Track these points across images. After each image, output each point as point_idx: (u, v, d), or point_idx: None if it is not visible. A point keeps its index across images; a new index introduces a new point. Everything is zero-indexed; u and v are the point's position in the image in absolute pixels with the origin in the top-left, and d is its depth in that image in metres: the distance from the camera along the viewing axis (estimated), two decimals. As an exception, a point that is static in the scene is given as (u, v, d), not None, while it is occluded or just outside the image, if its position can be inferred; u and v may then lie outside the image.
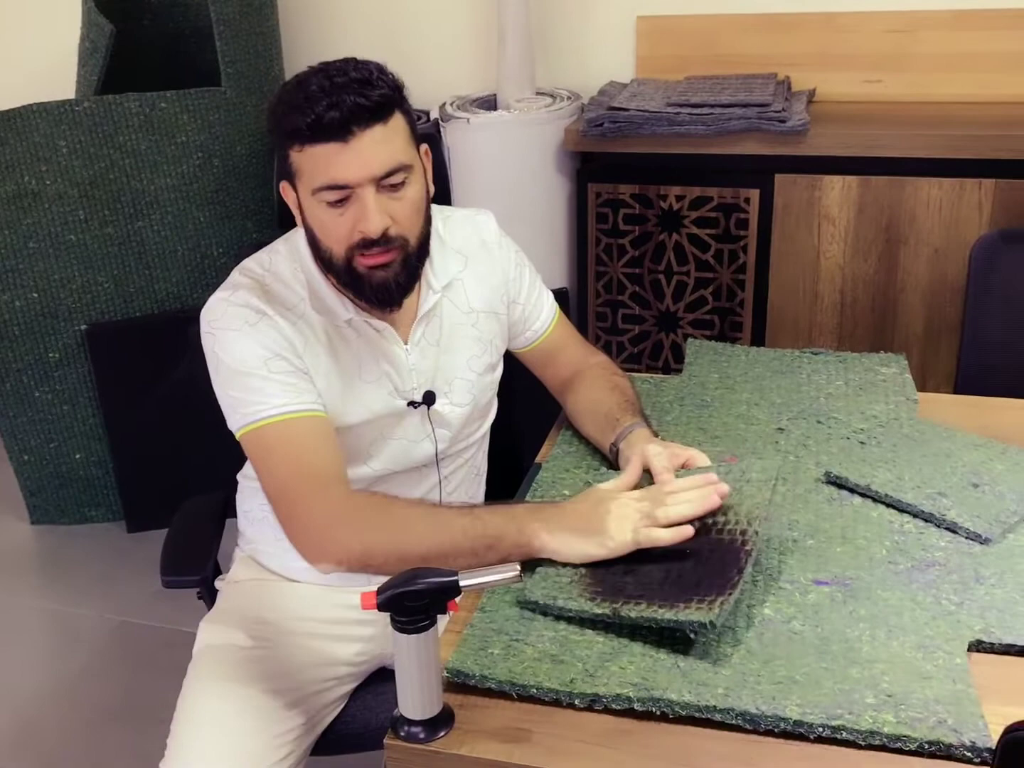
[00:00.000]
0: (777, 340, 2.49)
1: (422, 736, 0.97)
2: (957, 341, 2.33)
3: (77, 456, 2.73)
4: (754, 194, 2.41)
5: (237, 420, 1.27)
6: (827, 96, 2.64)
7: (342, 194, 1.22)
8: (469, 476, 1.52)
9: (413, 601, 0.94)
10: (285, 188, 1.32)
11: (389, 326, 1.35)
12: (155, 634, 2.39)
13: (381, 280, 1.27)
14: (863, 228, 2.38)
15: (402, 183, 1.25)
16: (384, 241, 1.24)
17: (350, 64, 1.24)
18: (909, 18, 2.55)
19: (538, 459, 1.47)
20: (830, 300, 2.45)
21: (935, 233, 2.34)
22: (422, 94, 2.33)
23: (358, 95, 1.19)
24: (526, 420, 1.75)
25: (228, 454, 1.59)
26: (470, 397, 1.44)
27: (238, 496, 1.56)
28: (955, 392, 1.88)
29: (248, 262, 1.37)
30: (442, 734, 0.97)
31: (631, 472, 1.26)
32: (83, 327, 2.60)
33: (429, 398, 1.39)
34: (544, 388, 1.59)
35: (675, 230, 2.49)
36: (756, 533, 1.12)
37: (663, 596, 1.06)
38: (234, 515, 1.60)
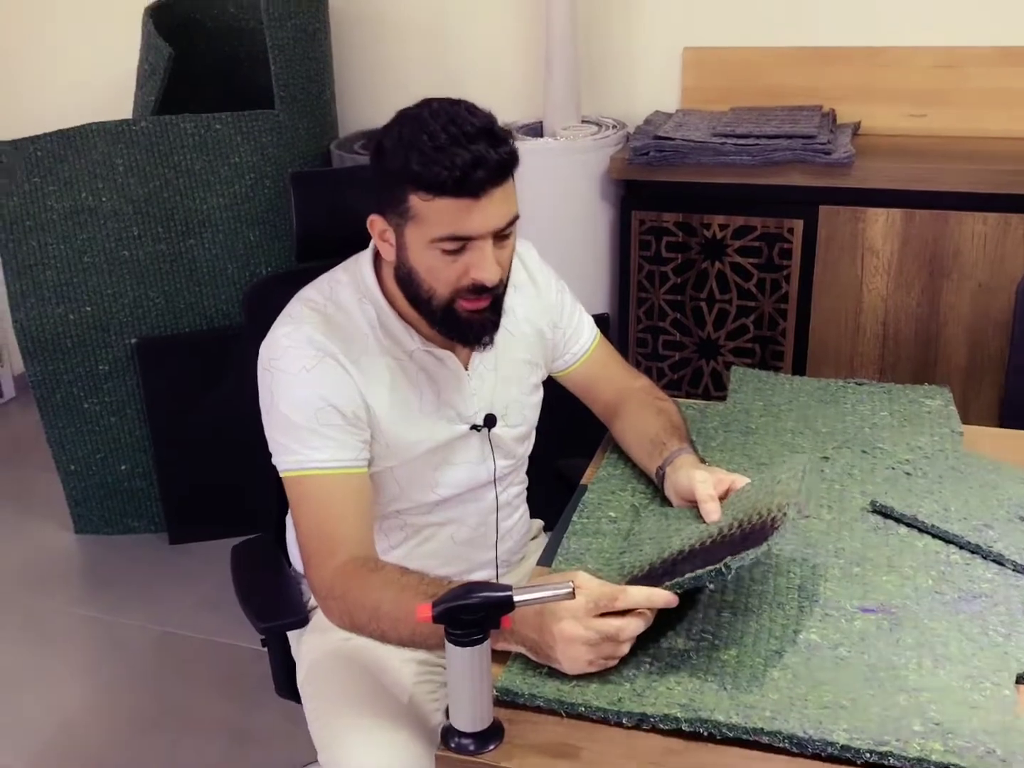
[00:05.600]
0: (818, 370, 2.49)
1: (472, 748, 0.99)
2: (999, 376, 2.33)
3: (122, 467, 2.78)
4: (798, 225, 2.42)
5: (280, 463, 1.31)
6: (872, 129, 2.65)
7: (462, 244, 1.24)
8: (520, 492, 1.57)
9: (468, 615, 0.96)
10: (375, 222, 1.30)
11: (451, 354, 1.38)
12: (196, 645, 2.42)
13: (481, 322, 1.30)
14: (907, 261, 2.38)
15: (511, 233, 1.28)
16: (492, 288, 1.27)
17: (462, 107, 1.25)
18: (955, 54, 2.56)
19: (583, 481, 1.49)
20: (872, 332, 2.46)
21: (979, 268, 2.34)
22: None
23: (494, 151, 1.21)
24: (563, 448, 1.78)
25: (270, 471, 1.62)
26: (522, 418, 1.48)
27: (288, 536, 1.59)
28: (999, 426, 1.88)
29: (309, 291, 1.37)
30: (492, 747, 0.99)
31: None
32: (133, 341, 2.65)
33: (490, 421, 1.42)
34: (580, 419, 1.61)
35: (718, 258, 2.51)
36: (784, 515, 1.10)
37: (690, 570, 1.08)
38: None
